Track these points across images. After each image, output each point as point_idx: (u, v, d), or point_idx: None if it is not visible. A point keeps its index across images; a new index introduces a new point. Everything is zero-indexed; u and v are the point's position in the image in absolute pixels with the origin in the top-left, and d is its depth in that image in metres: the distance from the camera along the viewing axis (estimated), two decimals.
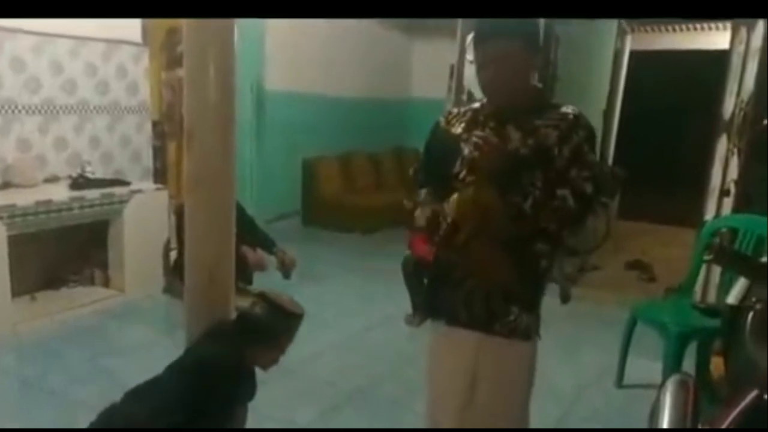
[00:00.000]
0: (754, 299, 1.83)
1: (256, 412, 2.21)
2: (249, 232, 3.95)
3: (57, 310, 3.86)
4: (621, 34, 6.73)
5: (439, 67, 6.01)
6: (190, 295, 2.16)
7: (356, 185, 7.18)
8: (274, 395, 2.71)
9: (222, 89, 2.01)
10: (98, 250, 4.25)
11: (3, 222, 3.44)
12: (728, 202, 3.90)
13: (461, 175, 1.73)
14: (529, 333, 1.76)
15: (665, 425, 1.55)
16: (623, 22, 6.29)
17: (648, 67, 7.52)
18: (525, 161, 1.65)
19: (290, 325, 2.07)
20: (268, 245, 4.15)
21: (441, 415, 1.87)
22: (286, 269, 4.04)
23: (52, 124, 4.15)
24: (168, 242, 4.41)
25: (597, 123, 1.62)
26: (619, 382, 3.24)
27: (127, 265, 4.17)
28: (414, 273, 3.83)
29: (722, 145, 3.94)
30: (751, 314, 1.78)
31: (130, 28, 4.51)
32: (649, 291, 4.73)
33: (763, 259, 2.06)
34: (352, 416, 2.86)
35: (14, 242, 3.53)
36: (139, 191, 4.20)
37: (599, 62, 6.77)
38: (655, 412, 1.62)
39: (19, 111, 3.96)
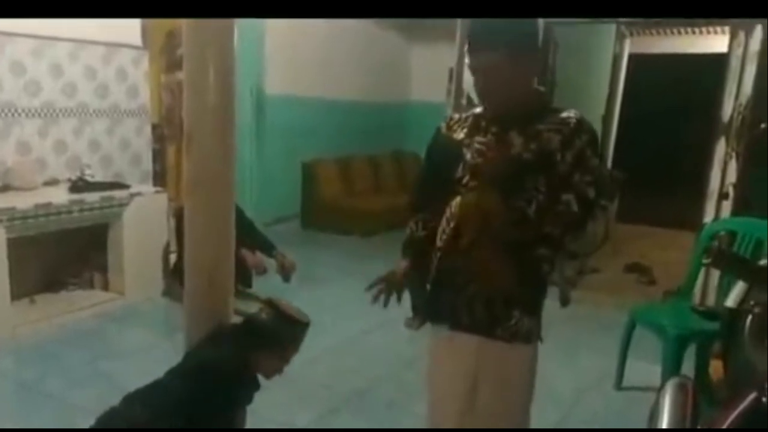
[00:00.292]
0: (752, 302, 1.83)
1: (255, 416, 2.22)
2: (248, 235, 3.96)
3: (56, 313, 3.86)
4: (620, 38, 6.76)
5: (438, 71, 6.03)
6: (190, 298, 2.16)
7: (355, 188, 7.19)
8: (274, 398, 2.70)
9: (221, 92, 2.02)
10: (98, 254, 4.24)
11: (2, 225, 3.44)
12: (727, 205, 3.91)
13: (464, 181, 1.74)
14: (530, 337, 1.76)
15: (664, 427, 1.55)
16: (622, 26, 6.31)
17: (647, 70, 7.54)
18: (528, 166, 1.65)
19: (296, 333, 2.07)
20: (267, 248, 4.16)
21: (441, 418, 1.88)
22: (285, 272, 4.05)
23: (51, 128, 4.15)
24: (167, 245, 4.42)
25: (596, 126, 1.62)
26: (619, 385, 3.24)
27: (126, 268, 4.17)
28: (415, 275, 3.81)
29: (721, 148, 3.95)
30: (749, 317, 1.79)
31: (129, 31, 4.52)
32: (648, 294, 4.73)
33: (762, 263, 2.06)
34: (351, 419, 2.86)
35: (14, 245, 3.53)
36: (138, 194, 4.20)
37: (598, 66, 6.80)
38: (654, 414, 1.63)
39: (19, 114, 3.96)
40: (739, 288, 2.03)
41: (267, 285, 4.10)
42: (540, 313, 1.81)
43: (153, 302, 4.23)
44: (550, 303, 1.84)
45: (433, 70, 6.91)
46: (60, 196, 3.84)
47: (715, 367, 2.83)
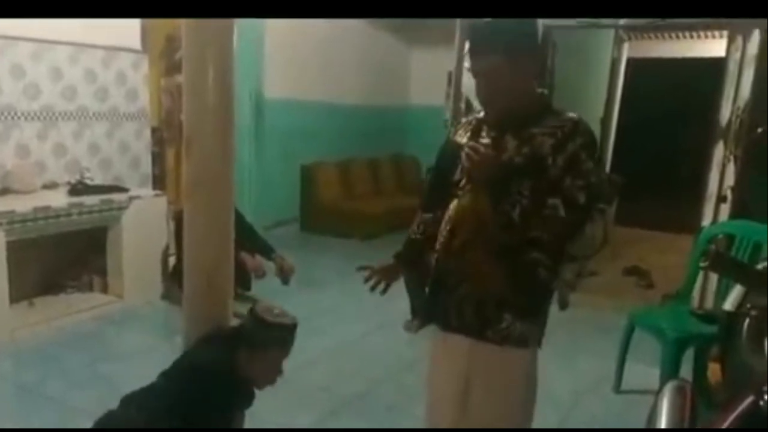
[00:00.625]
0: (749, 306, 1.84)
1: (255, 418, 2.22)
2: (247, 238, 3.95)
3: (55, 316, 3.86)
4: (618, 42, 6.77)
5: (437, 75, 6.04)
6: (189, 301, 2.17)
7: (355, 191, 7.19)
8: (273, 401, 2.70)
9: (221, 95, 2.03)
10: (97, 256, 4.25)
11: (2, 228, 3.44)
12: (725, 209, 3.92)
13: (461, 184, 1.77)
14: (524, 341, 1.75)
15: (663, 428, 1.56)
16: (620, 30, 6.32)
17: (645, 74, 7.56)
18: (517, 170, 1.66)
19: (276, 336, 2.01)
20: (266, 251, 4.15)
21: (436, 418, 1.90)
22: (284, 275, 4.05)
23: (51, 131, 4.15)
24: (166, 248, 4.42)
25: (594, 130, 1.63)
26: (617, 388, 3.25)
27: (125, 271, 4.17)
28: (416, 277, 3.80)
29: (719, 151, 3.96)
30: (747, 321, 1.79)
31: (129, 34, 4.52)
32: (647, 297, 4.74)
33: (759, 266, 2.07)
34: (351, 422, 2.86)
35: (13, 248, 3.53)
36: (137, 197, 4.21)
37: (596, 70, 6.81)
38: (652, 417, 1.63)
39: (19, 117, 3.97)
40: (737, 291, 2.03)
41: (266, 288, 4.10)
42: (541, 319, 1.81)
43: (152, 305, 4.23)
44: (549, 306, 1.85)
45: (432, 74, 6.92)
46: (59, 199, 3.84)
47: (714, 370, 2.84)
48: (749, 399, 1.38)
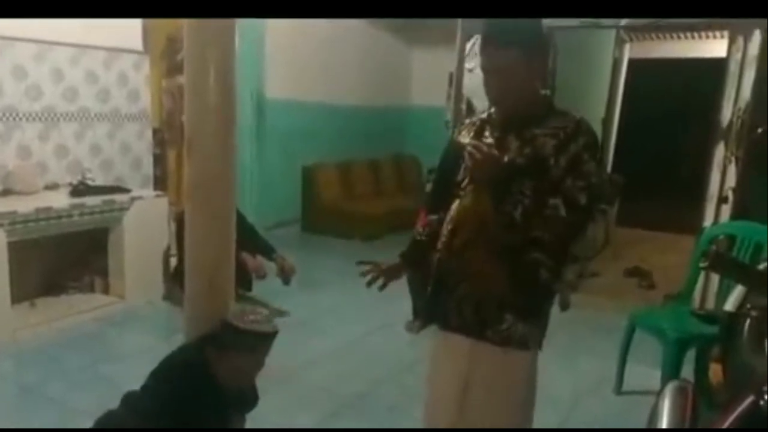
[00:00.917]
0: (749, 306, 1.84)
1: (255, 418, 2.22)
2: (249, 238, 3.96)
3: (57, 317, 3.86)
4: (619, 43, 6.78)
5: (438, 75, 6.04)
6: (190, 301, 2.17)
7: (356, 192, 7.20)
8: (274, 402, 2.71)
9: (222, 96, 2.03)
10: (98, 257, 4.25)
11: (3, 229, 3.45)
12: (726, 209, 3.91)
13: (463, 184, 1.77)
14: (525, 343, 1.75)
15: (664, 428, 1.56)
16: (621, 30, 6.32)
17: (646, 75, 7.56)
18: (517, 170, 1.66)
19: (245, 342, 1.95)
20: (267, 252, 4.16)
21: (435, 418, 1.90)
22: (285, 276, 4.05)
23: (52, 132, 4.16)
24: (168, 249, 4.42)
25: (596, 131, 1.63)
26: (618, 389, 3.25)
27: (127, 272, 4.17)
28: (418, 278, 3.80)
29: (720, 152, 3.95)
30: (747, 321, 1.79)
31: (130, 35, 4.53)
32: (648, 298, 4.74)
33: (760, 267, 2.06)
34: (351, 423, 2.86)
35: (14, 249, 3.54)
36: (139, 198, 4.21)
37: (598, 71, 6.82)
38: (653, 418, 1.63)
39: (20, 118, 3.98)
40: (737, 292, 2.04)
41: (267, 289, 4.11)
42: (542, 320, 1.81)
43: (153, 306, 4.23)
44: (551, 307, 1.85)
45: (433, 75, 6.92)
46: (61, 200, 3.85)
47: (715, 371, 2.83)
48: (749, 399, 1.38)
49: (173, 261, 4.34)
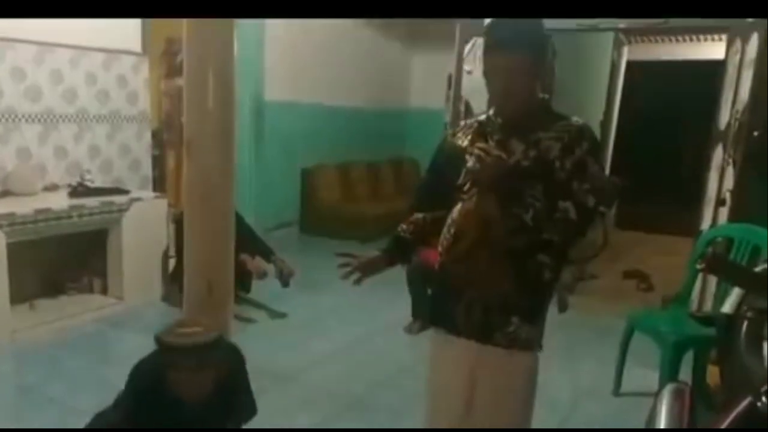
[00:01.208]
0: (745, 308, 1.84)
1: (256, 419, 2.22)
2: (248, 240, 3.97)
3: (56, 318, 3.86)
4: (618, 45, 6.79)
5: (437, 78, 6.05)
6: (189, 302, 2.18)
7: (355, 194, 7.20)
8: (273, 403, 2.71)
9: (221, 98, 2.04)
10: (97, 258, 4.25)
11: (2, 230, 3.45)
12: (724, 212, 3.91)
13: (465, 187, 1.76)
14: (530, 344, 1.76)
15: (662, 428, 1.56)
16: (620, 33, 6.33)
17: (644, 77, 7.58)
18: (526, 174, 1.66)
19: (177, 356, 1.85)
20: (266, 254, 4.17)
21: (441, 420, 1.89)
22: (284, 278, 4.06)
23: (52, 133, 4.16)
24: (167, 250, 4.43)
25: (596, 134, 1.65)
26: (617, 391, 3.25)
27: (125, 273, 4.17)
28: (419, 280, 3.80)
29: (718, 154, 3.96)
30: (745, 323, 1.80)
31: (130, 37, 4.54)
32: (647, 300, 4.75)
33: (757, 269, 2.07)
34: (351, 424, 2.86)
35: (13, 250, 3.54)
36: (138, 199, 4.21)
37: (596, 73, 6.83)
38: (651, 420, 1.63)
39: (20, 120, 3.98)
40: (735, 294, 2.04)
41: (267, 290, 4.11)
42: (542, 322, 1.82)
43: (152, 307, 4.23)
44: (549, 309, 1.85)
45: (432, 77, 6.93)
46: (60, 201, 3.85)
47: (713, 373, 2.84)
48: (746, 401, 1.39)
49: (172, 262, 4.35)
